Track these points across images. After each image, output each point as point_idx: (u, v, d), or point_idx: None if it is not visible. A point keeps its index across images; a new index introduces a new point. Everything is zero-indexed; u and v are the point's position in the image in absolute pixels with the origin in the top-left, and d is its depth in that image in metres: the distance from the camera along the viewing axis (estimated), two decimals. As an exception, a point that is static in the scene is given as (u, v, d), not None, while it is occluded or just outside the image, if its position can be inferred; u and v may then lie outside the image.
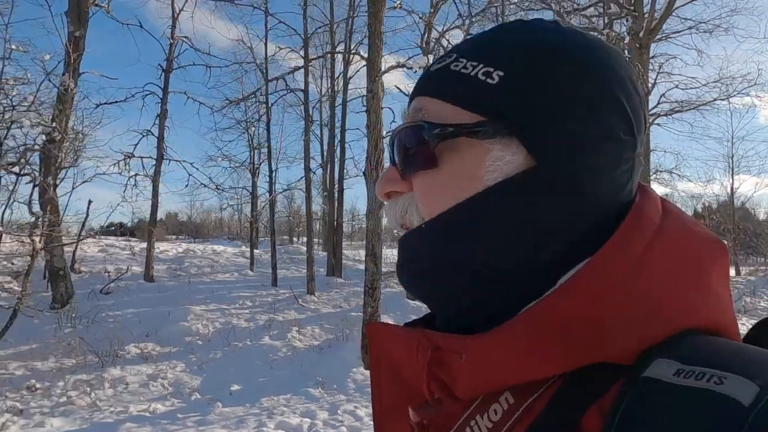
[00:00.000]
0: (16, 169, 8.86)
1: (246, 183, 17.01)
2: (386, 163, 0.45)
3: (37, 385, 6.16)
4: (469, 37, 0.53)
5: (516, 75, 0.46)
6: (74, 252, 11.44)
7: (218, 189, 13.15)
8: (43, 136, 9.08)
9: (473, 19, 12.35)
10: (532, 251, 0.45)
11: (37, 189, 8.94)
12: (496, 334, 0.42)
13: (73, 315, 8.69)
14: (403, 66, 8.23)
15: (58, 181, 10.00)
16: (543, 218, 0.45)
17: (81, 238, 9.61)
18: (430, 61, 0.49)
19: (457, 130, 0.46)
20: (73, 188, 11.06)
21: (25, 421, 5.23)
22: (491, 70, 0.47)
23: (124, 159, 11.23)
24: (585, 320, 0.40)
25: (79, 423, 5.29)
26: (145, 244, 12.07)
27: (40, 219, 7.25)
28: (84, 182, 10.92)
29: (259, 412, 5.65)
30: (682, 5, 16.71)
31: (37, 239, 7.17)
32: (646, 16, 17.45)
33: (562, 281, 0.44)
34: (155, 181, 11.35)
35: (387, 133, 7.66)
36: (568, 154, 0.45)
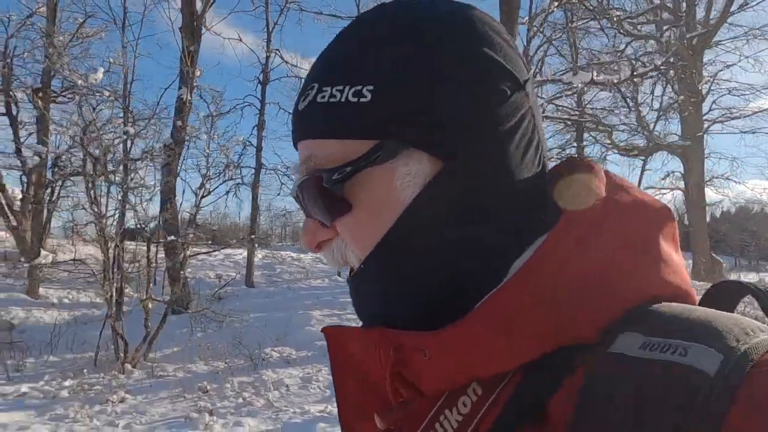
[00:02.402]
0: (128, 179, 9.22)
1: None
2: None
3: (208, 387, 6.42)
4: (316, 60, 0.50)
5: (385, 84, 0.44)
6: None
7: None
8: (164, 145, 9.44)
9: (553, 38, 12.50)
10: (475, 244, 0.44)
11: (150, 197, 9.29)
12: (457, 328, 0.41)
13: (202, 320, 8.99)
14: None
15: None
16: (472, 211, 0.44)
17: (224, 246, 9.94)
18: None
19: (355, 167, 0.44)
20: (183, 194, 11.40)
21: (223, 420, 5.48)
22: (359, 88, 0.44)
23: (225, 169, 11.57)
24: (542, 305, 0.39)
25: (272, 423, 5.51)
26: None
27: (195, 228, 7.55)
28: (212, 193, 11.09)
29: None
30: (736, 12, 16.69)
31: (185, 247, 7.47)
32: (699, 24, 17.46)
33: (515, 266, 0.43)
34: (255, 189, 11.70)
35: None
36: (467, 139, 0.44)
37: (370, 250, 0.46)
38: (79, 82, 7.73)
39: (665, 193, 19.71)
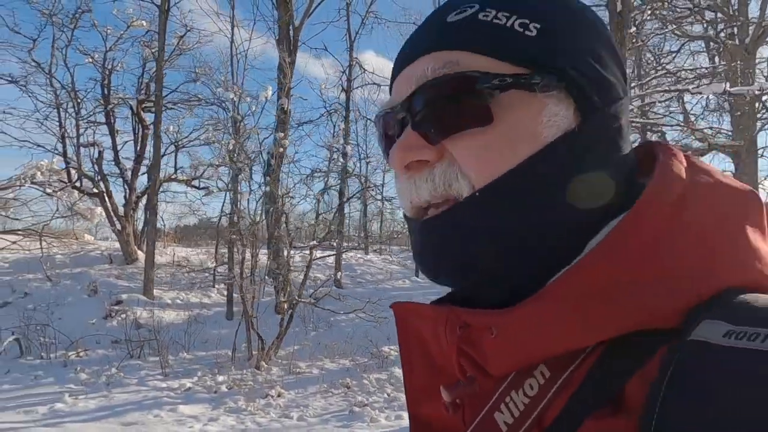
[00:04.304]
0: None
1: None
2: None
3: (349, 383, 6.82)
4: None
5: (552, 30, 0.44)
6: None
7: (384, 199, 13.93)
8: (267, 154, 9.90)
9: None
10: (574, 211, 0.43)
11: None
12: (526, 306, 0.40)
13: (312, 320, 9.43)
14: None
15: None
16: (589, 176, 0.43)
17: (346, 248, 10.38)
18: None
19: (515, 81, 0.43)
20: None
21: (384, 414, 5.85)
22: (527, 21, 0.44)
23: (312, 174, 12.02)
24: (620, 284, 0.37)
25: (429, 417, 5.88)
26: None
27: (329, 232, 7.99)
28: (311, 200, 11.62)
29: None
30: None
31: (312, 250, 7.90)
32: (752, 22, 17.34)
33: (591, 245, 0.42)
34: (342, 194, 12.14)
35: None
36: (605, 109, 0.45)
37: (495, 177, 0.43)
38: (248, 99, 8.25)
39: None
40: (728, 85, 5.93)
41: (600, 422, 0.36)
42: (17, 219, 12.27)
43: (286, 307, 7.43)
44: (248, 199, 7.69)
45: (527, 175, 0.42)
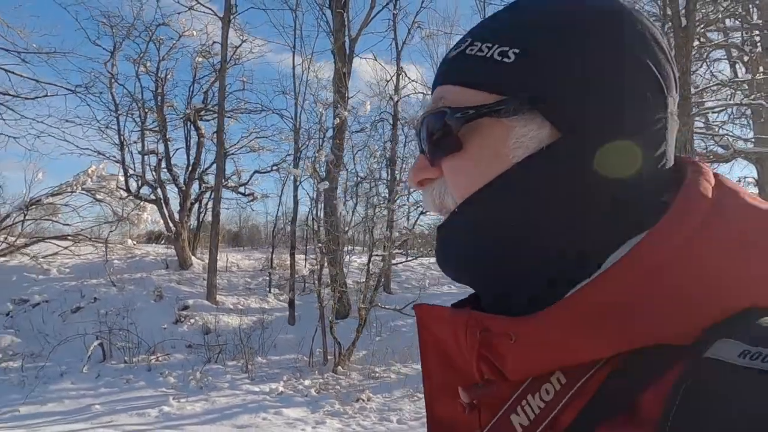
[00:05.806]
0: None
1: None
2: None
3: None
4: (484, 19, 0.54)
5: (531, 51, 0.46)
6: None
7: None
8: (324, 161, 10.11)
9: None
10: (571, 228, 0.44)
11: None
12: (546, 315, 0.41)
13: (375, 325, 9.60)
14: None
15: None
16: (578, 191, 0.44)
17: (420, 254, 10.56)
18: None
19: (477, 112, 0.47)
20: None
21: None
22: (506, 49, 0.47)
23: (358, 182, 12.22)
24: (636, 300, 0.39)
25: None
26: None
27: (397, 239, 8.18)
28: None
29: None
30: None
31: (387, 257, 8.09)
32: None
33: (611, 260, 0.42)
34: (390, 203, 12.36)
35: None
36: (592, 122, 0.44)
37: (467, 195, 0.48)
38: (345, 113, 8.48)
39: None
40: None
41: (613, 431, 0.37)
42: (67, 224, 12.48)
43: (363, 313, 7.61)
44: (340, 210, 7.88)
45: (494, 193, 0.46)
